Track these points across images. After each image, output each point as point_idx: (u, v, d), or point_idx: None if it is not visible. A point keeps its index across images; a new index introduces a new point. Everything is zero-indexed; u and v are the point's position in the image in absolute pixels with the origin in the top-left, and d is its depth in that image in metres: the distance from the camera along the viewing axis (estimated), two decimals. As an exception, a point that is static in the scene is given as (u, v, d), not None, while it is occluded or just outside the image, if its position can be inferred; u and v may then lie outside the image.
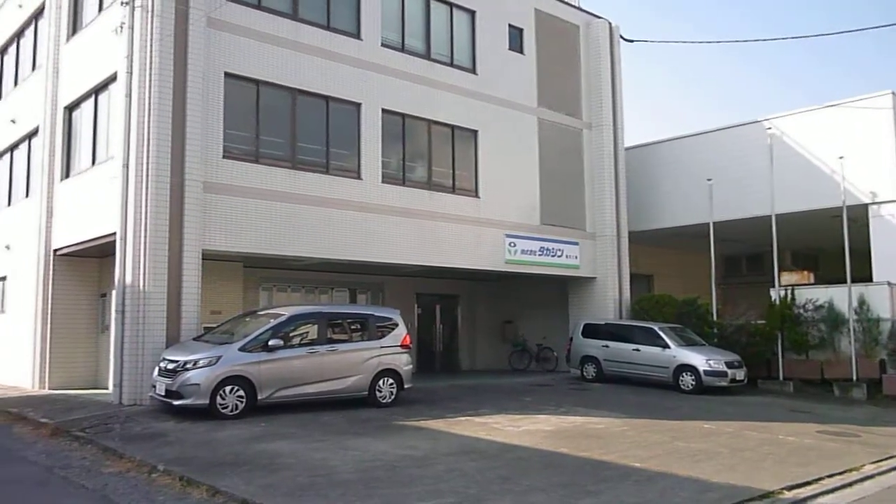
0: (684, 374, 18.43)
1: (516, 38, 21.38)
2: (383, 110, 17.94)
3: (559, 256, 21.58)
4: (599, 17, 23.72)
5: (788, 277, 21.84)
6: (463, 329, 25.26)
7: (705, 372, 18.17)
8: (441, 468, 9.26)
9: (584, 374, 20.35)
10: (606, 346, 19.99)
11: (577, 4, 23.77)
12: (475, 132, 20.00)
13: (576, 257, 22.06)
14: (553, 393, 17.66)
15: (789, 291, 20.48)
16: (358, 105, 17.53)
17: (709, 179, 21.75)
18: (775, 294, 20.56)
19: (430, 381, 18.72)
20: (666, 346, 18.84)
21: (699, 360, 18.40)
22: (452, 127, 19.57)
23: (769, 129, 21.37)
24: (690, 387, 18.23)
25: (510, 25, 21.23)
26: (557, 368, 22.96)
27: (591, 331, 20.63)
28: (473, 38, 20.31)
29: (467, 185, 19.82)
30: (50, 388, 17.22)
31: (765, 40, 39.85)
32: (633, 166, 24.02)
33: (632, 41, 24.43)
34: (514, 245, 20.45)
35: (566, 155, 22.34)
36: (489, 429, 12.16)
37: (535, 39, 21.78)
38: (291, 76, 16.40)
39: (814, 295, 20.33)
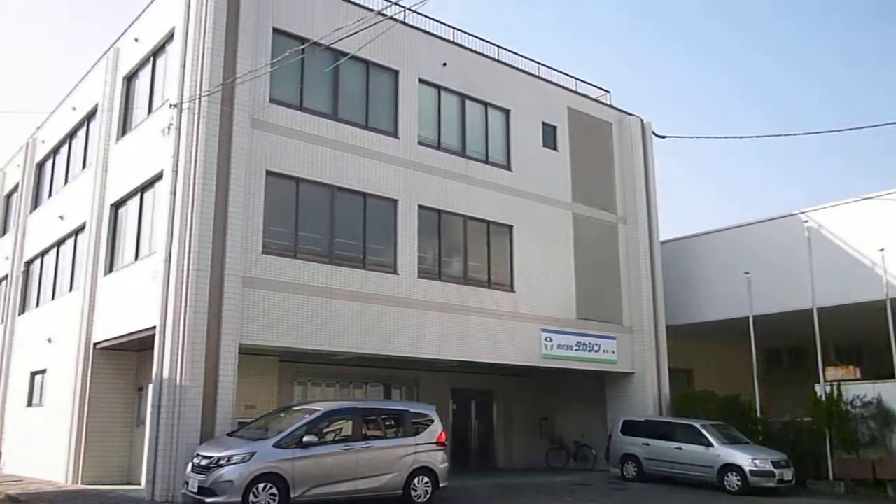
0: (729, 473, 17.75)
1: (550, 135, 21.78)
2: (419, 206, 18.23)
3: (596, 351, 21.29)
4: (631, 115, 24.13)
5: (834, 372, 21.21)
6: (499, 425, 24.78)
7: (751, 472, 17.49)
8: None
9: (625, 472, 19.72)
10: (647, 444, 19.42)
11: (608, 102, 24.24)
12: (510, 227, 20.17)
13: (613, 352, 21.75)
14: (593, 493, 17.11)
15: (835, 387, 19.87)
16: (395, 201, 17.85)
17: (746, 273, 21.53)
18: (821, 390, 19.97)
19: (466, 479, 18.24)
20: (709, 445, 18.24)
21: (744, 459, 17.74)
22: (488, 222, 19.77)
23: (806, 221, 21.23)
24: (736, 487, 17.53)
25: (544, 123, 21.66)
26: (596, 467, 22.31)
27: (631, 428, 20.10)
28: (508, 135, 20.74)
29: (503, 279, 19.85)
30: (83, 483, 17.11)
31: (791, 135, 40.14)
32: (669, 260, 23.90)
33: (664, 137, 24.73)
34: (551, 340, 20.26)
35: (602, 249, 22.36)
36: (527, 531, 11.76)
37: (568, 136, 22.16)
38: (330, 173, 16.81)
39: (861, 391, 19.68)
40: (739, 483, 17.52)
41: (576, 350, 20.82)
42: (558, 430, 24.27)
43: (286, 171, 16.18)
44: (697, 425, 18.94)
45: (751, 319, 21.19)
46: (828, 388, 19.87)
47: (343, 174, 17.01)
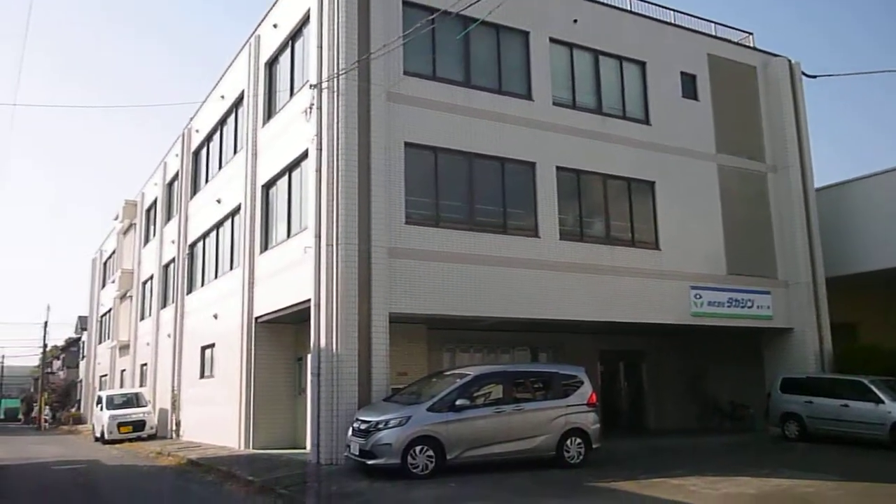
0: (904, 431, 16.65)
1: (690, 85, 20.90)
2: (557, 168, 18.04)
3: (750, 307, 20.44)
4: (777, 56, 22.74)
5: None
6: (648, 386, 24.37)
7: (929, 429, 16.34)
8: (639, 533, 8.87)
9: (786, 432, 18.91)
10: (810, 402, 18.51)
11: (751, 45, 22.94)
12: (652, 183, 19.61)
13: (768, 307, 20.80)
14: (752, 453, 16.56)
15: None
16: (532, 164, 17.74)
17: (915, 217, 19.92)
18: None
19: (617, 441, 18.05)
20: (879, 401, 17.14)
21: (921, 416, 16.58)
22: (628, 180, 19.31)
23: (985, 158, 19.36)
24: (912, 446, 16.44)
25: (682, 73, 20.81)
26: (754, 427, 21.51)
27: (792, 386, 19.21)
28: (645, 88, 20.09)
29: (647, 237, 19.37)
30: (254, 448, 18.32)
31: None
32: (825, 208, 22.46)
33: (814, 77, 23.17)
34: (700, 297, 19.63)
35: (750, 200, 21.34)
36: (686, 492, 11.54)
37: (709, 84, 21.19)
38: (466, 141, 16.91)
39: None
40: (916, 441, 16.42)
41: (728, 307, 20.08)
42: (712, 390, 23.55)
43: (424, 141, 16.41)
44: (865, 381, 17.83)
45: (921, 267, 19.65)
46: None
47: (479, 141, 17.07)
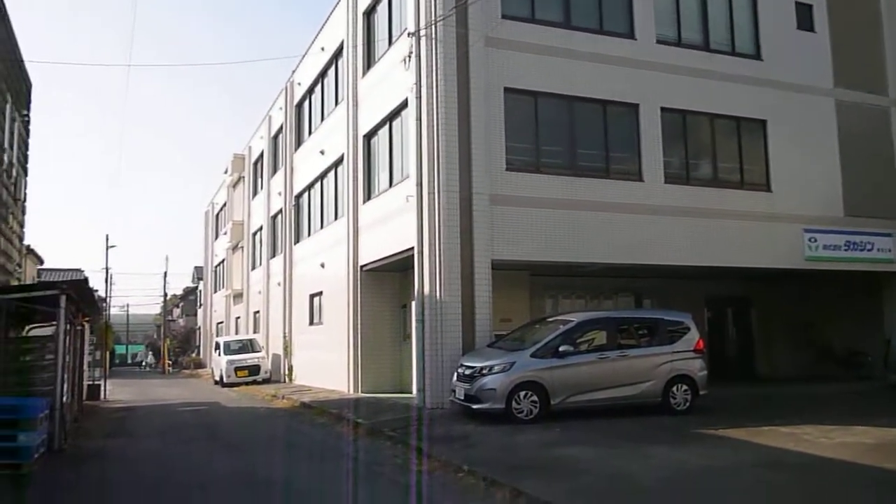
0: None
1: (805, 16, 19.69)
2: (662, 109, 17.46)
3: (869, 250, 19.43)
4: (904, -21, 21.11)
5: None
6: (758, 333, 23.64)
7: None
8: (748, 481, 8.72)
9: (908, 381, 18.07)
10: (934, 350, 17.58)
11: (875, -31, 21.35)
12: (763, 122, 18.72)
13: (889, 250, 19.72)
14: (870, 402, 15.90)
15: None
16: (635, 106, 17.23)
17: None
18: None
19: (725, 388, 17.65)
20: None
21: None
22: (738, 119, 18.51)
23: None
24: None
25: (797, 3, 19.61)
26: (871, 376, 20.59)
27: (914, 332, 18.26)
28: (756, 21, 19.06)
29: (757, 178, 18.59)
30: (362, 392, 18.95)
31: None
32: (957, 143, 20.91)
33: (948, 0, 21.35)
34: (815, 240, 18.78)
35: (871, 137, 20.09)
36: (797, 440, 11.23)
37: (826, 14, 19.91)
38: (567, 84, 16.55)
39: None
40: None
41: (845, 250, 19.15)
42: (826, 336, 22.62)
43: (523, 86, 16.15)
44: None
45: None
46: None
47: (580, 83, 16.67)
